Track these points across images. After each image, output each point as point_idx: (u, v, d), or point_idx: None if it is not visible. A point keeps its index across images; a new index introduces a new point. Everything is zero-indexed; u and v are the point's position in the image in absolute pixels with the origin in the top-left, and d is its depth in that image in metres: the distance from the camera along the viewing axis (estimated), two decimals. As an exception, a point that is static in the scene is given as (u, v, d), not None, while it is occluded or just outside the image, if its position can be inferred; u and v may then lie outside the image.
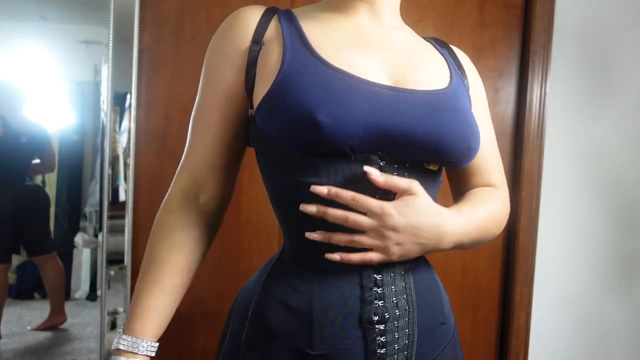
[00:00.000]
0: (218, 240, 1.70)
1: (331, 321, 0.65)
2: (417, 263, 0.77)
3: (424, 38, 0.83)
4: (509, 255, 1.78)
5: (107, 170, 1.64)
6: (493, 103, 1.74)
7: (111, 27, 1.60)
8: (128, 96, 1.63)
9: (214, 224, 0.85)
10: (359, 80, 0.64)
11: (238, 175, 0.86)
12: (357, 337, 0.65)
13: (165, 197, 0.83)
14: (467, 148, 0.67)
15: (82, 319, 2.10)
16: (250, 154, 1.58)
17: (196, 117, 0.79)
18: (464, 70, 0.79)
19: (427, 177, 0.71)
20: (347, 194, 0.61)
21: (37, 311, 2.12)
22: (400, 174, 0.67)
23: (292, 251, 0.74)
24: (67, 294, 2.18)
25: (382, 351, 0.66)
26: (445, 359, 0.76)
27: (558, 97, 1.74)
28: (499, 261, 1.78)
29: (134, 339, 0.74)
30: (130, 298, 1.68)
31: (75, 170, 2.07)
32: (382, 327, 0.66)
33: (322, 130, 0.60)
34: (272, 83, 0.65)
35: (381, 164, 0.65)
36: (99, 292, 1.69)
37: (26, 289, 2.19)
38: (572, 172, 1.76)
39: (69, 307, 2.15)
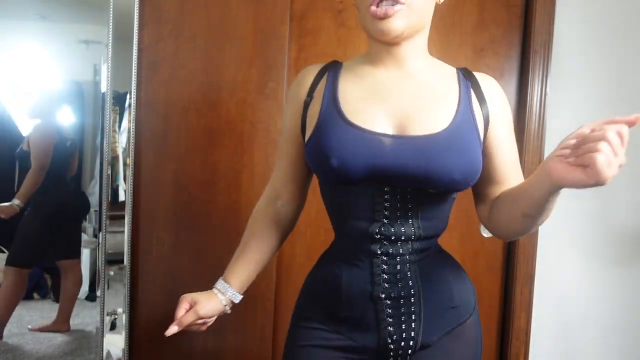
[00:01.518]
0: (218, 240, 1.70)
1: (352, 295, 0.91)
2: (425, 257, 0.93)
3: (456, 69, 0.97)
4: (509, 255, 1.78)
5: (107, 170, 1.64)
6: (493, 103, 1.74)
7: (111, 27, 1.59)
8: (127, 96, 1.63)
9: (288, 221, 1.13)
10: (366, 132, 0.85)
11: (309, 185, 1.12)
12: (370, 308, 0.90)
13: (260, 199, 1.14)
14: (451, 180, 0.85)
15: (81, 319, 2.10)
16: (249, 154, 1.57)
17: (279, 145, 1.08)
18: (484, 99, 0.91)
19: (432, 196, 0.90)
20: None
21: (37, 311, 2.12)
22: (403, 196, 0.88)
23: (335, 247, 1.02)
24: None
25: (389, 320, 0.90)
26: (457, 338, 0.93)
27: (558, 97, 1.74)
28: (499, 262, 1.78)
29: (226, 285, 1.09)
30: (130, 298, 1.68)
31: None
32: (388, 302, 0.89)
33: (334, 169, 0.85)
34: (312, 130, 0.90)
35: (385, 189, 0.87)
36: (98, 292, 1.69)
37: (25, 289, 2.19)
38: (572, 172, 1.76)
39: (68, 307, 2.15)
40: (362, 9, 0.88)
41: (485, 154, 0.91)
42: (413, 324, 0.90)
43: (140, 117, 1.64)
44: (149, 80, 1.64)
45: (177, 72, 1.65)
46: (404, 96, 0.89)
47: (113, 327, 1.68)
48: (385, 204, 0.87)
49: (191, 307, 1.04)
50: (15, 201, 1.98)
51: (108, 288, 1.67)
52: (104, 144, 1.65)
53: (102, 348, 1.67)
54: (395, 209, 0.88)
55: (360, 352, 0.92)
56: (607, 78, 1.75)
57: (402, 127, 0.87)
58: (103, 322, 1.67)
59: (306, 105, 0.95)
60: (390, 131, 0.86)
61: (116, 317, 1.68)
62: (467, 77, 0.93)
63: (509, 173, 0.94)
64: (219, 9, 1.65)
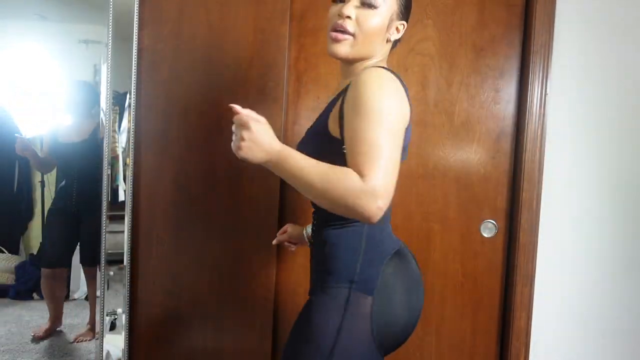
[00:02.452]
0: (218, 240, 1.70)
1: None
2: (317, 225, 1.14)
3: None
4: (510, 255, 1.78)
5: (107, 170, 1.64)
6: (493, 103, 1.74)
7: (111, 27, 1.59)
8: (127, 96, 1.63)
9: None
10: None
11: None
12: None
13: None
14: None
15: (81, 319, 2.10)
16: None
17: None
18: (345, 95, 1.01)
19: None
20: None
21: (37, 311, 2.13)
22: None
23: None
24: (67, 295, 2.19)
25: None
26: (307, 303, 1.09)
27: (558, 97, 1.74)
28: (500, 261, 1.78)
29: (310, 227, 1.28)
30: (130, 298, 1.68)
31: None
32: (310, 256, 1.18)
33: None
34: None
35: None
36: (98, 293, 1.69)
37: (25, 289, 2.19)
38: (572, 172, 1.76)
39: (68, 307, 2.15)
40: (328, 32, 1.08)
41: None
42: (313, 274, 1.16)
43: (140, 117, 1.64)
44: (149, 80, 1.64)
45: (177, 72, 1.65)
46: (331, 98, 1.11)
47: (113, 327, 1.68)
48: None
49: (286, 231, 1.42)
50: None
51: (108, 288, 1.67)
52: (104, 144, 1.64)
53: (102, 348, 1.67)
54: None
55: None
56: (607, 78, 1.75)
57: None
58: (103, 322, 1.67)
59: None
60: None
61: (116, 317, 1.68)
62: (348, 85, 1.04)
63: (348, 158, 0.94)
64: (219, 9, 1.65)
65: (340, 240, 1.07)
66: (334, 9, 1.07)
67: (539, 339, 1.79)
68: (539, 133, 1.71)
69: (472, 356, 1.80)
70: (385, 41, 1.09)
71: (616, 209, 1.78)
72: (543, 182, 1.73)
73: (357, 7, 1.03)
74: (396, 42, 1.16)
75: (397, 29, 1.10)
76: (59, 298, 2.10)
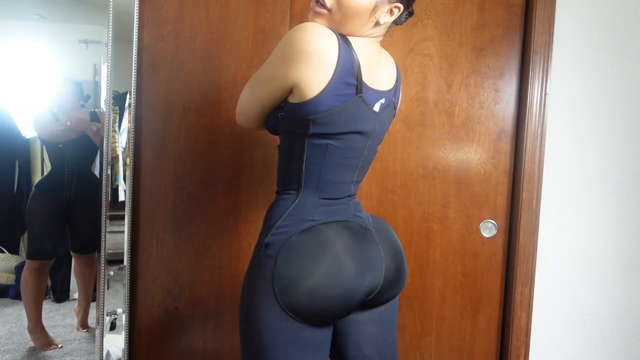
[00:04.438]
0: (218, 240, 1.70)
1: None
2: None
3: None
4: (510, 255, 1.78)
5: (107, 170, 1.64)
6: (493, 103, 1.74)
7: (110, 27, 1.59)
8: (127, 96, 1.63)
9: None
10: None
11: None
12: None
13: None
14: None
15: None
16: (249, 154, 1.56)
17: None
18: None
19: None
20: None
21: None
22: None
23: None
24: (66, 294, 2.18)
25: None
26: None
27: (558, 97, 1.74)
28: (500, 261, 1.78)
29: None
30: (130, 298, 1.68)
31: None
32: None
33: None
34: None
35: None
36: (98, 293, 1.69)
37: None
38: (572, 172, 1.76)
39: (68, 307, 2.15)
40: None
41: None
42: None
43: (140, 117, 1.64)
44: (149, 80, 1.64)
45: (177, 72, 1.65)
46: None
47: (113, 327, 1.68)
48: None
49: None
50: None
51: (108, 288, 1.67)
52: (104, 144, 1.64)
53: (102, 348, 1.67)
54: None
55: None
56: (607, 78, 1.75)
57: None
58: (103, 322, 1.67)
59: None
60: None
61: (116, 317, 1.68)
62: None
63: None
64: (219, 9, 1.65)
65: (272, 207, 1.13)
66: None
67: (539, 339, 1.79)
68: (539, 133, 1.71)
69: (472, 356, 1.80)
70: (372, 22, 1.04)
71: (616, 208, 1.78)
72: (543, 182, 1.73)
73: None
74: (395, 23, 1.11)
75: (391, 11, 1.05)
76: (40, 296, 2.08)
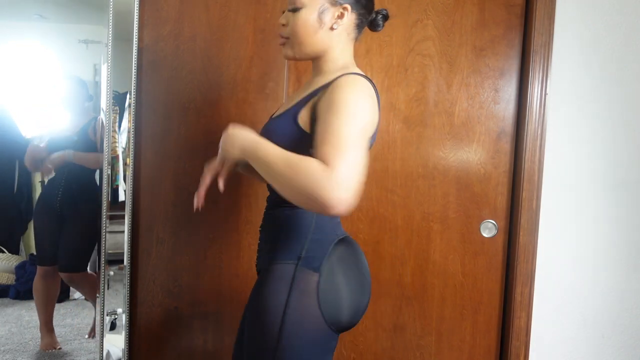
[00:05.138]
0: (218, 240, 1.70)
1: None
2: (271, 208, 1.17)
3: (336, 77, 1.06)
4: (510, 255, 1.78)
5: (107, 170, 1.64)
6: (493, 102, 1.74)
7: (111, 27, 1.59)
8: (127, 96, 1.63)
9: None
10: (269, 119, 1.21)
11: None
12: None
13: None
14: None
15: (81, 319, 2.10)
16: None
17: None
18: (319, 96, 1.05)
19: None
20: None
21: (37, 312, 2.12)
22: None
23: None
24: (66, 294, 2.18)
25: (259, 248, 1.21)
26: (258, 280, 1.13)
27: (558, 97, 1.74)
28: (500, 261, 1.78)
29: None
30: (130, 298, 1.68)
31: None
32: (258, 238, 1.21)
33: None
34: None
35: None
36: (97, 293, 1.69)
37: (25, 289, 2.18)
38: (572, 172, 1.76)
39: (68, 307, 2.15)
40: None
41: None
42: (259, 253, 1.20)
43: (140, 117, 1.64)
44: (149, 80, 1.64)
45: (177, 72, 1.65)
46: (302, 93, 1.14)
47: (113, 327, 1.68)
48: None
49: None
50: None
51: (108, 288, 1.67)
52: (104, 144, 1.64)
53: (102, 348, 1.67)
54: None
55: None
56: (607, 78, 1.75)
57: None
58: (103, 322, 1.67)
59: None
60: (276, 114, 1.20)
61: (116, 317, 1.68)
62: (329, 83, 1.05)
63: (315, 148, 0.96)
64: (219, 9, 1.65)
65: (291, 220, 1.10)
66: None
67: (539, 339, 1.79)
68: (539, 133, 1.71)
69: (472, 356, 1.80)
70: (328, 31, 1.11)
71: (616, 208, 1.78)
72: (543, 182, 1.73)
73: (289, 13, 1.13)
74: (360, 26, 1.15)
75: (340, 14, 1.10)
76: (49, 300, 2.08)
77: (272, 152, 0.95)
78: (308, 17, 1.10)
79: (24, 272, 2.19)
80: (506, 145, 1.75)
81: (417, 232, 1.76)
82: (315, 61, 1.16)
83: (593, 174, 1.76)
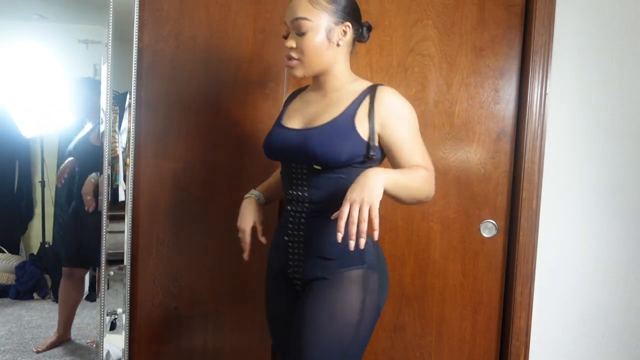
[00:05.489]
0: (218, 240, 1.70)
1: (278, 239, 1.32)
2: (314, 216, 1.22)
3: (367, 86, 1.23)
4: (510, 255, 1.78)
5: (107, 170, 1.64)
6: (493, 103, 1.74)
7: (111, 27, 1.59)
8: (127, 96, 1.63)
9: None
10: (284, 128, 1.27)
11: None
12: (283, 246, 1.29)
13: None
14: (312, 156, 1.17)
15: (81, 319, 2.10)
16: (249, 156, 1.56)
17: None
18: (373, 108, 1.19)
19: (317, 172, 1.20)
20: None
21: (37, 312, 2.12)
22: (300, 169, 1.23)
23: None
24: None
25: (289, 256, 1.27)
26: (332, 284, 1.20)
27: (558, 97, 1.74)
28: (500, 261, 1.78)
29: (254, 191, 1.42)
30: (130, 298, 1.68)
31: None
32: (289, 244, 1.26)
33: (264, 151, 1.30)
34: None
35: (292, 164, 1.24)
36: (97, 293, 1.69)
37: (25, 289, 2.19)
38: (572, 172, 1.76)
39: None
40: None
41: (384, 146, 1.20)
42: (298, 261, 1.25)
43: (140, 117, 1.64)
44: (149, 80, 1.64)
45: (177, 72, 1.65)
46: (317, 107, 1.26)
47: (113, 327, 1.68)
48: (293, 175, 1.24)
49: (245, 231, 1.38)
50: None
51: (108, 288, 1.67)
52: (104, 144, 1.65)
53: (102, 348, 1.67)
54: (297, 179, 1.23)
55: (279, 273, 1.32)
56: (607, 78, 1.75)
57: (308, 124, 1.24)
58: (103, 322, 1.67)
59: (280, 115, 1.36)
60: (298, 127, 1.25)
61: (116, 317, 1.68)
62: (369, 92, 1.21)
63: (405, 159, 1.19)
64: (219, 9, 1.65)
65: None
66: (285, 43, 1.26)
67: (539, 339, 1.79)
68: (539, 133, 1.71)
69: (472, 356, 1.81)
70: (335, 48, 1.21)
71: (616, 208, 1.78)
72: (543, 182, 1.73)
73: (295, 37, 1.20)
74: (355, 39, 1.26)
75: (343, 32, 1.20)
76: (73, 302, 2.09)
77: (404, 176, 1.11)
78: (317, 38, 1.19)
79: (24, 272, 2.19)
80: (506, 145, 1.75)
81: (417, 232, 1.76)
82: (322, 76, 1.25)
83: (593, 174, 1.76)
